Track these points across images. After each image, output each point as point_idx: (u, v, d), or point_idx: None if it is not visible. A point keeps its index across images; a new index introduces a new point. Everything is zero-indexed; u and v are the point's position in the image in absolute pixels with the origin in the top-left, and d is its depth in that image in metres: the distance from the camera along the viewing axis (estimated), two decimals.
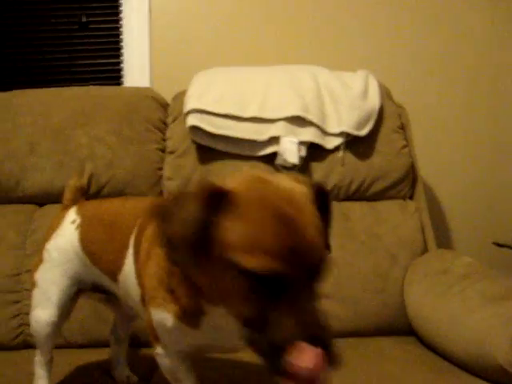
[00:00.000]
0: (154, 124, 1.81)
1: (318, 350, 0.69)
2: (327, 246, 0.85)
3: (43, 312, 1.17)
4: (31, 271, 1.25)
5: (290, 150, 1.67)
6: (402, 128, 1.84)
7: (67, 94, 1.84)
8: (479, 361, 1.24)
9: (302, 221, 0.73)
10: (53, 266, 1.18)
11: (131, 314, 1.32)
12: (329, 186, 1.76)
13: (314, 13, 2.18)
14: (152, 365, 1.21)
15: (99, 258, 1.12)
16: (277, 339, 0.70)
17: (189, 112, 1.71)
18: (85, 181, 1.36)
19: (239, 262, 0.70)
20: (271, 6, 2.17)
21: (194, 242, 0.73)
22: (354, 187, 1.77)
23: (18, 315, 1.59)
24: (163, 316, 0.89)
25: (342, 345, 1.50)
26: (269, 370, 0.72)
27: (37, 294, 1.20)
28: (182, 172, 1.75)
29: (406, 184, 1.80)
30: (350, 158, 1.77)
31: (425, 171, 1.96)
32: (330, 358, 0.71)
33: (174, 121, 1.82)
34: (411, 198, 1.83)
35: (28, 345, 1.55)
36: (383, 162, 1.78)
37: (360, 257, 1.67)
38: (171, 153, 1.78)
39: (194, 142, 1.75)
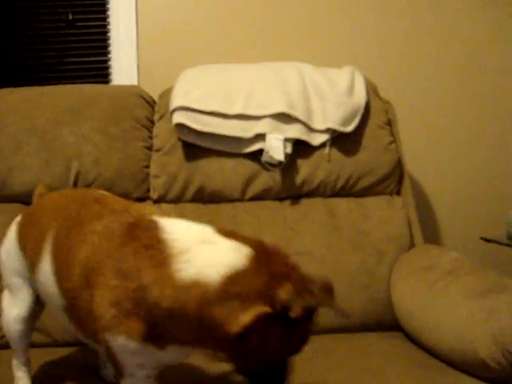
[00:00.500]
0: (141, 122, 1.80)
1: None
2: None
3: (11, 311, 1.18)
4: None
5: (276, 147, 1.67)
6: (389, 124, 1.84)
7: (53, 93, 1.84)
8: (463, 355, 1.25)
9: None
10: (5, 269, 1.20)
11: None
12: (315, 182, 1.76)
13: (300, 9, 2.18)
14: None
15: (26, 252, 1.12)
16: None
17: (175, 110, 1.71)
18: (44, 190, 1.35)
19: None
20: (257, 3, 2.17)
21: None
22: (340, 183, 1.77)
23: None
24: (127, 342, 0.86)
25: (328, 340, 1.54)
26: None
27: (5, 296, 1.21)
28: (168, 169, 1.75)
29: (393, 180, 1.81)
30: (336, 154, 1.77)
31: (412, 167, 1.97)
32: None
33: (160, 118, 1.82)
34: (398, 193, 1.83)
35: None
36: (370, 158, 1.78)
37: (346, 253, 1.68)
38: (158, 150, 1.78)
39: (180, 139, 1.75)
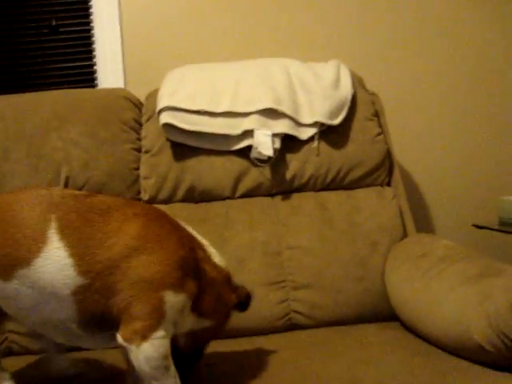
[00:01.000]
0: (129, 124, 1.80)
1: None
2: None
3: None
4: None
5: (264, 143, 1.67)
6: (376, 115, 1.84)
7: (39, 99, 1.83)
8: (459, 340, 1.25)
9: None
10: None
11: None
12: (305, 176, 1.76)
13: (284, 5, 2.18)
14: None
15: None
16: None
17: (161, 110, 1.71)
18: None
19: None
20: (240, 1, 2.17)
21: None
22: (330, 177, 1.77)
23: None
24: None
25: (324, 332, 1.55)
26: None
27: None
28: (158, 170, 1.75)
29: (383, 171, 1.81)
30: (324, 147, 1.77)
31: (401, 157, 1.98)
32: None
33: (148, 120, 1.81)
34: (388, 184, 1.83)
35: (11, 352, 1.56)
36: (358, 150, 1.78)
37: (340, 245, 1.68)
38: (146, 152, 1.78)
39: (168, 139, 1.75)
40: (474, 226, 2.04)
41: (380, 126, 1.84)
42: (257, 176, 1.75)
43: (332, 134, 1.78)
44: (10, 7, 2.17)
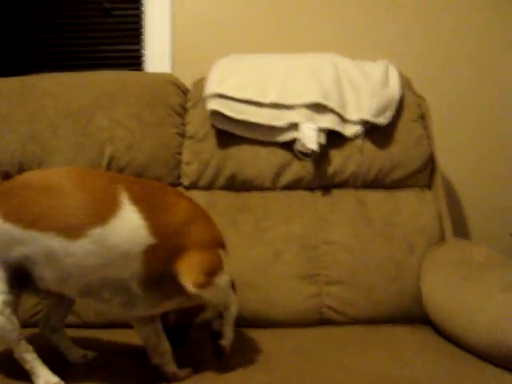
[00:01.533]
0: (174, 109, 1.82)
1: None
2: None
3: None
4: None
5: (310, 137, 1.68)
6: (422, 118, 1.83)
7: (89, 78, 1.86)
8: (496, 348, 1.23)
9: None
10: None
11: (65, 301, 1.29)
12: (346, 173, 1.76)
13: (336, 2, 2.18)
14: None
15: (44, 218, 1.07)
16: None
17: (209, 96, 1.72)
18: None
19: None
20: None
21: None
22: (371, 175, 1.77)
23: None
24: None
25: (355, 330, 1.54)
26: None
27: None
28: (200, 157, 1.76)
29: (425, 174, 1.80)
30: (368, 146, 1.77)
31: (443, 161, 1.96)
32: None
33: (193, 106, 1.83)
34: (429, 187, 1.82)
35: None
36: (402, 151, 1.77)
37: (376, 244, 1.67)
38: (190, 138, 1.79)
39: (213, 126, 1.76)
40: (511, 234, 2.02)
41: (425, 128, 1.82)
42: (298, 169, 1.75)
43: (376, 133, 1.77)
44: None
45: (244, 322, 1.54)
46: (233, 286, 1.29)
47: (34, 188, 1.11)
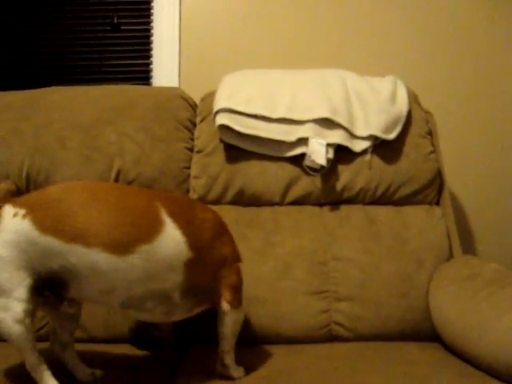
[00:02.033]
0: (183, 123, 1.83)
1: None
2: None
3: (6, 314, 1.09)
4: None
5: (318, 152, 1.68)
6: (430, 134, 1.84)
7: (98, 92, 1.87)
8: (507, 365, 1.23)
9: None
10: (4, 264, 1.10)
11: (74, 315, 1.29)
12: (355, 189, 1.76)
13: (343, 18, 2.20)
14: None
15: (87, 232, 1.10)
16: None
17: (218, 111, 1.73)
18: (13, 186, 1.41)
19: None
20: (301, 10, 2.20)
21: None
22: (380, 191, 1.77)
23: None
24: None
25: (365, 347, 1.53)
26: None
27: None
28: (209, 171, 1.76)
29: (433, 189, 1.80)
30: (377, 161, 1.77)
31: (451, 177, 1.96)
32: None
33: (202, 121, 1.84)
34: (437, 203, 1.82)
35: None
36: (410, 167, 1.77)
37: (385, 260, 1.67)
38: (199, 152, 1.79)
39: (221, 141, 1.76)
40: None
41: (432, 144, 1.83)
42: (307, 184, 1.75)
43: (385, 149, 1.78)
44: (74, 3, 2.24)
45: (253, 337, 1.54)
46: None
47: (70, 202, 1.13)
